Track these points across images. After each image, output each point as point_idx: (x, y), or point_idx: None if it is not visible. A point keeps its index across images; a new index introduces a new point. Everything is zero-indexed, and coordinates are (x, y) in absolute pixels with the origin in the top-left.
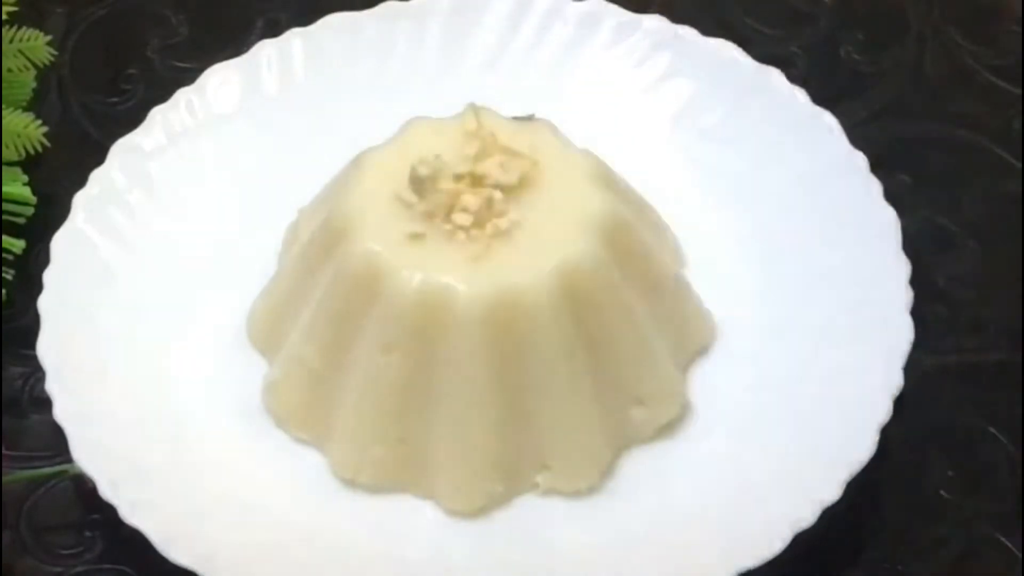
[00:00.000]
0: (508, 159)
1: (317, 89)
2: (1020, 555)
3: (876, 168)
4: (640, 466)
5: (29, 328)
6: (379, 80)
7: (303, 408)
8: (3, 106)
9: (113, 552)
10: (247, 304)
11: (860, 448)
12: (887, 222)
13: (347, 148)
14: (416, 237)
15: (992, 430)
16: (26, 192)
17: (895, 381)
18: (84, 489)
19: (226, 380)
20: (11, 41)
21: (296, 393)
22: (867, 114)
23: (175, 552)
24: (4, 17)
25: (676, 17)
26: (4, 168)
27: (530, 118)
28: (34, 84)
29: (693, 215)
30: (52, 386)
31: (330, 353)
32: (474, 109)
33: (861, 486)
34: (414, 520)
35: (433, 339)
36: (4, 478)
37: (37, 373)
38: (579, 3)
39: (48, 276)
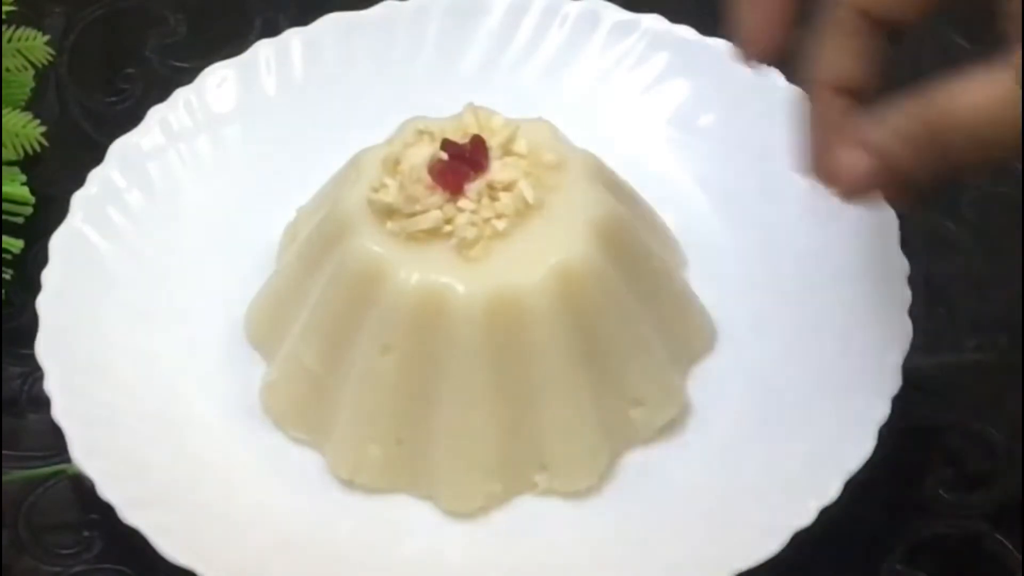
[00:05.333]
0: (507, 159)
1: (315, 89)
2: (1019, 555)
3: None
4: (639, 467)
5: (27, 328)
6: (377, 80)
7: (301, 408)
8: (2, 106)
9: (111, 552)
10: (246, 304)
11: (858, 448)
12: (886, 222)
13: (345, 148)
14: (414, 237)
15: (991, 429)
16: (24, 192)
17: (893, 381)
18: (83, 489)
19: (224, 380)
20: (9, 41)
21: (294, 393)
22: None
23: (173, 551)
24: (2, 17)
25: (674, 16)
26: (3, 168)
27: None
28: (32, 84)
29: (692, 216)
30: (50, 386)
31: (328, 353)
32: (472, 109)
33: (860, 486)
34: (412, 520)
35: (431, 339)
36: (3, 478)
37: (35, 373)
38: (577, 2)
39: (46, 276)
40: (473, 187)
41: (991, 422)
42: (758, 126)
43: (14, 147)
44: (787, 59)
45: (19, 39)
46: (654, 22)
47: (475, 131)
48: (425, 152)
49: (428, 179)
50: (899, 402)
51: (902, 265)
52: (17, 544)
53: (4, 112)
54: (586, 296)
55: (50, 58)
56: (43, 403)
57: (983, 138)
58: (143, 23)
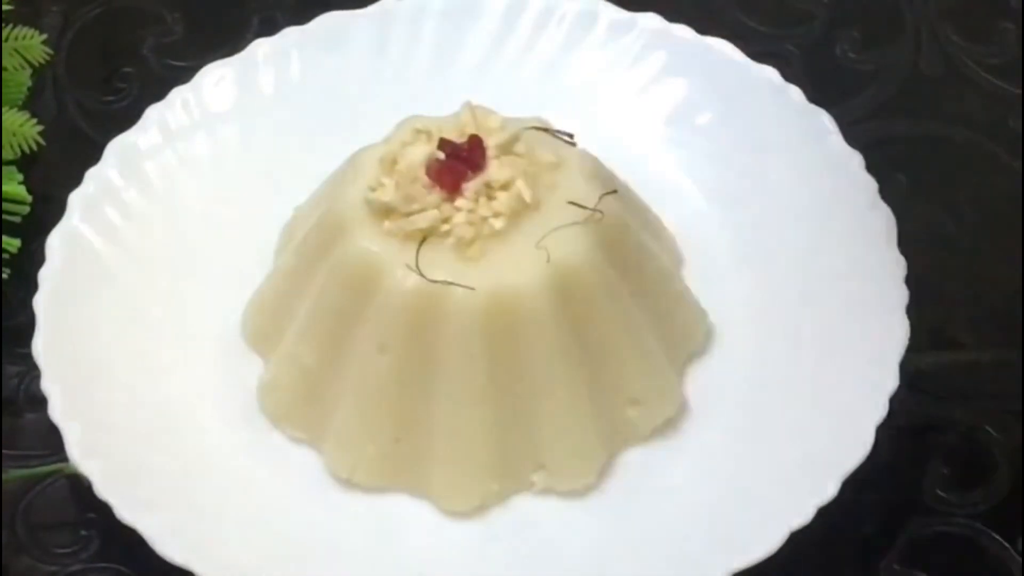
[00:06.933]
0: (504, 158)
1: (312, 88)
2: (1016, 554)
3: (872, 167)
4: (636, 466)
5: (25, 327)
6: (374, 79)
7: (299, 407)
8: None
9: (109, 550)
10: (243, 303)
11: (856, 447)
12: (883, 221)
13: (343, 147)
14: (412, 236)
15: (988, 428)
16: (21, 191)
17: (891, 380)
18: (80, 488)
19: (222, 379)
20: (7, 40)
21: (291, 392)
22: (863, 113)
23: (170, 550)
24: (0, 16)
25: (671, 15)
26: (0, 167)
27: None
28: (29, 83)
29: (688, 214)
30: (48, 385)
31: (325, 352)
32: (470, 108)
33: (857, 485)
34: (410, 519)
35: (428, 339)
36: (1, 477)
37: (33, 372)
38: (574, 1)
39: (43, 275)
40: (470, 186)
41: (989, 421)
42: (755, 125)
43: (11, 146)
44: None
45: (16, 38)
46: (651, 21)
47: (472, 130)
48: (423, 151)
49: (425, 178)
50: (897, 401)
51: (899, 264)
52: (15, 543)
53: (2, 111)
54: (583, 295)
55: (47, 57)
56: (40, 402)
57: None
58: (140, 22)
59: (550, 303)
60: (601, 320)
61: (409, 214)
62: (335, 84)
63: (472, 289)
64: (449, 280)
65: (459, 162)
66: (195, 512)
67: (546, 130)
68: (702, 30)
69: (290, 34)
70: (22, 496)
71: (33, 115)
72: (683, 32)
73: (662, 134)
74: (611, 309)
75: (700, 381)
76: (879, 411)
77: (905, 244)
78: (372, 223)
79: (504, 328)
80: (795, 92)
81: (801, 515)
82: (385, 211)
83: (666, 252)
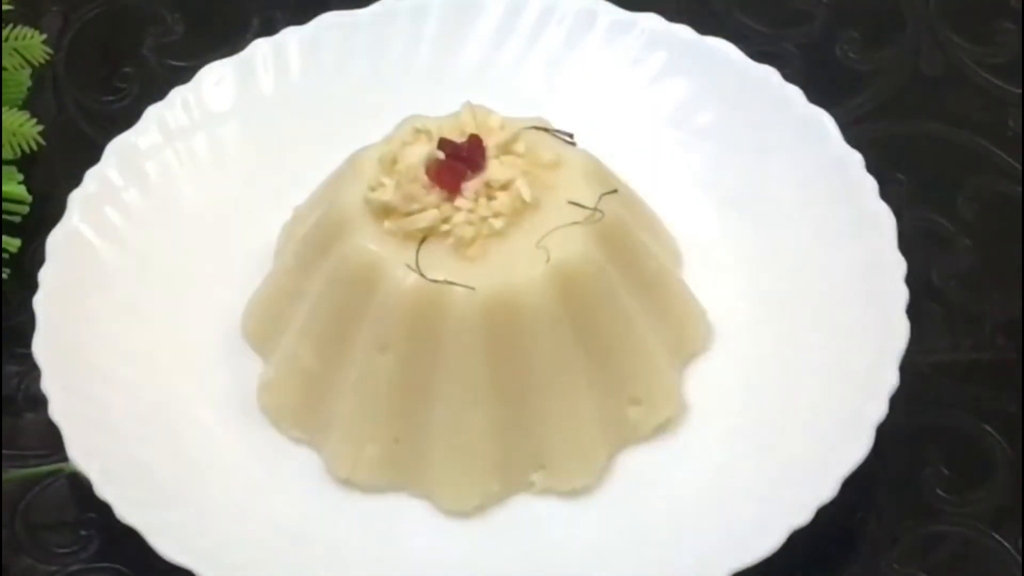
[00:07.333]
0: (504, 158)
1: (313, 88)
2: (1016, 554)
3: (872, 167)
4: (636, 465)
5: (24, 327)
6: (375, 78)
7: (298, 407)
8: None
9: (108, 550)
10: (243, 303)
11: (856, 447)
12: (883, 221)
13: (343, 147)
14: (412, 236)
15: (988, 428)
16: (21, 191)
17: (891, 380)
18: (80, 487)
19: (222, 379)
20: (7, 40)
21: (291, 392)
22: (863, 112)
23: (170, 550)
24: (0, 15)
25: (671, 15)
26: (0, 167)
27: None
28: (29, 83)
29: (688, 214)
30: (47, 384)
31: (325, 352)
32: (470, 108)
33: (857, 485)
34: (410, 519)
35: (429, 338)
36: (0, 476)
37: (32, 372)
38: (574, 1)
39: (43, 275)
40: (470, 186)
41: (987, 421)
42: (755, 125)
43: (11, 146)
44: None
45: (16, 38)
46: (651, 21)
47: (472, 130)
48: (422, 151)
49: (425, 178)
50: (896, 401)
51: (899, 264)
52: (14, 543)
53: (2, 111)
54: (583, 295)
55: (47, 57)
56: (40, 402)
57: None
58: (140, 22)
59: (550, 303)
60: (601, 320)
61: (409, 214)
62: (335, 84)
63: (472, 289)
64: (449, 280)
65: (459, 162)
66: (195, 512)
67: (546, 130)
68: (702, 30)
69: (290, 34)
70: (22, 496)
71: (33, 115)
72: (683, 32)
73: (662, 134)
74: (611, 309)
75: (700, 381)
76: (879, 411)
77: (905, 244)
78: (372, 223)
79: (504, 328)
80: (795, 92)
81: (801, 515)
82: (385, 211)
83: (666, 252)
